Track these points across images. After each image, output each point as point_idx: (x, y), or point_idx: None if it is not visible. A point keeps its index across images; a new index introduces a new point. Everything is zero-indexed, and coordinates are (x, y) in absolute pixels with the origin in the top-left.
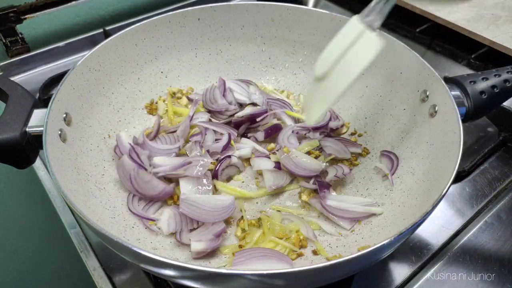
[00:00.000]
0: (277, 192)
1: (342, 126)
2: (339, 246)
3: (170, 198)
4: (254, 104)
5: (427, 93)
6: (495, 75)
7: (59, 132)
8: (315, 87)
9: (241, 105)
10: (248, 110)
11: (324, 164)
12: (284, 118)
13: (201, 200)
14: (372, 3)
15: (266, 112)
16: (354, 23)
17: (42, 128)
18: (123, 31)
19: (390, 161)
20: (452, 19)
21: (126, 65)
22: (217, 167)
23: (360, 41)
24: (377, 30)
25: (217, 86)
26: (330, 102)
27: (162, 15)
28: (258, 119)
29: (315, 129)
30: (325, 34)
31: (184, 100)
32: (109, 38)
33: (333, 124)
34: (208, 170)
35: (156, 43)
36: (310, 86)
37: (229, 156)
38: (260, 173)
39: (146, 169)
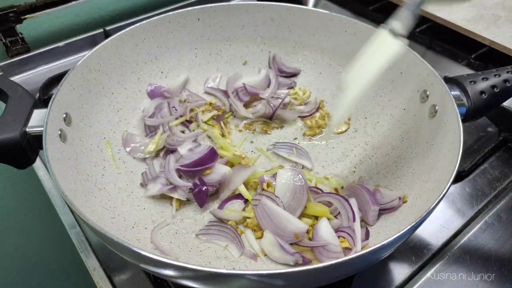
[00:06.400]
0: None
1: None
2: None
3: None
4: None
5: (427, 93)
6: (495, 75)
7: (59, 132)
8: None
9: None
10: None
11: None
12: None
13: None
14: (398, 13)
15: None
16: (379, 32)
17: (42, 128)
18: (123, 31)
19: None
20: (452, 19)
21: (126, 65)
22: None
23: (379, 44)
24: (398, 36)
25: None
26: (348, 104)
27: (162, 15)
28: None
29: None
30: (325, 34)
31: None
32: (109, 38)
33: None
34: None
35: (156, 43)
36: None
37: None
38: None
39: None
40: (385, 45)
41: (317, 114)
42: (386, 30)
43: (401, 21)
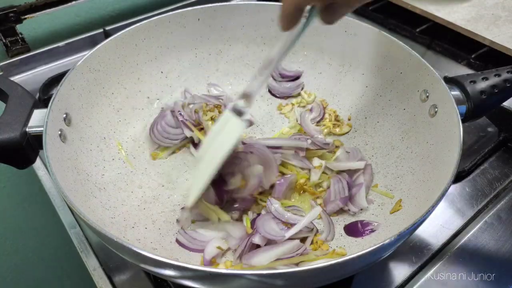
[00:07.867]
0: None
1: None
2: (339, 246)
3: None
4: None
5: (427, 93)
6: (495, 75)
7: (59, 132)
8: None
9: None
10: None
11: None
12: None
13: None
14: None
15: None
16: (226, 113)
17: (42, 128)
18: (123, 31)
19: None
20: (452, 19)
21: (126, 65)
22: None
23: (227, 125)
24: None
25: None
26: (202, 182)
27: (162, 15)
28: None
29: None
30: (325, 34)
31: None
32: (109, 38)
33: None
34: None
35: (156, 43)
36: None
37: None
38: None
39: None
40: (229, 125)
41: (327, 116)
42: (230, 109)
43: (246, 96)
